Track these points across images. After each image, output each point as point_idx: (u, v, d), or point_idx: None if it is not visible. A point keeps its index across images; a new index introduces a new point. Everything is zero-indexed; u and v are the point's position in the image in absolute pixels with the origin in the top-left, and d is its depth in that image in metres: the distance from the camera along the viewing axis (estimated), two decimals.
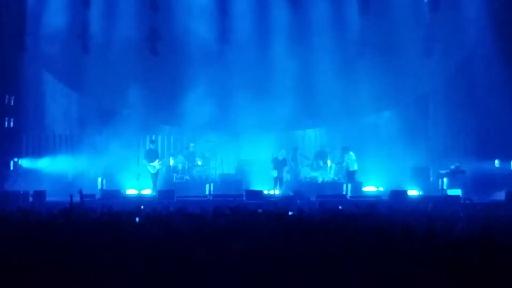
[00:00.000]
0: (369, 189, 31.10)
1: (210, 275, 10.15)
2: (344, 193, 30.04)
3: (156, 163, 30.93)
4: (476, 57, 32.34)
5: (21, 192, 27.44)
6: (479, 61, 32.13)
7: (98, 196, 28.28)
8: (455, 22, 32.45)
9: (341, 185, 31.04)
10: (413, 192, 29.68)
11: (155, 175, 30.87)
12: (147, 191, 30.37)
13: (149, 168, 30.85)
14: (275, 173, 30.95)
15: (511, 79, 30.96)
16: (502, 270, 10.10)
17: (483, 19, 32.16)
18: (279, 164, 31.11)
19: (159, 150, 32.71)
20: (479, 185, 30.01)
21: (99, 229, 14.07)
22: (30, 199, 26.95)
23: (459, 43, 32.80)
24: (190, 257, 10.81)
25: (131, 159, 31.16)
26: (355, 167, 31.31)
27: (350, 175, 31.28)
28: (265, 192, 30.03)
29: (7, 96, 30.84)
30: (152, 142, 32.10)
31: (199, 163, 32.36)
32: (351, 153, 31.41)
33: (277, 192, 30.70)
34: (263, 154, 31.30)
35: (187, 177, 32.00)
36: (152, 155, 31.12)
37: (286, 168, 31.36)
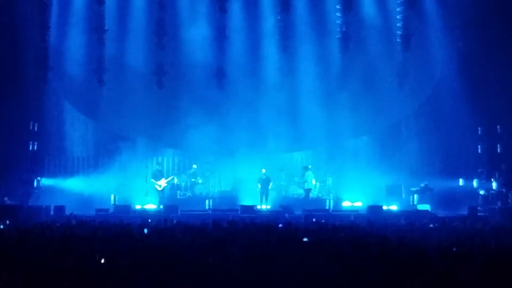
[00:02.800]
0: (349, 204, 31.04)
1: (210, 279, 10.18)
2: (327, 207, 30.06)
3: (162, 182, 30.95)
4: (442, 89, 32.51)
5: (43, 206, 27.38)
6: (445, 93, 32.31)
7: (111, 210, 28.24)
8: (424, 59, 32.66)
9: (324, 200, 31.03)
10: (391, 207, 29.67)
11: (161, 192, 30.89)
12: (154, 206, 30.32)
13: (156, 186, 30.89)
14: (259, 188, 30.96)
15: (472, 108, 31.09)
16: (465, 276, 10.16)
17: (448, 56, 32.41)
18: (263, 182, 31.17)
19: (165, 170, 32.76)
20: (445, 200, 30.02)
21: (112, 238, 14.11)
22: (51, 213, 26.92)
23: (427, 77, 33.00)
24: (192, 263, 10.83)
25: (140, 178, 31.15)
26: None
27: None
28: (258, 207, 30.09)
29: (31, 123, 30.83)
30: (158, 163, 32.18)
31: (200, 181, 32.39)
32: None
33: (268, 207, 30.66)
34: (255, 174, 31.31)
35: (190, 194, 32.03)
36: (158, 175, 31.17)
37: (270, 185, 31.36)
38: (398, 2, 32.36)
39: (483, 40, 30.98)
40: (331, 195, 31.17)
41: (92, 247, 12.62)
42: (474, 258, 11.36)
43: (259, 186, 31.07)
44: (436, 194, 30.40)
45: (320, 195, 31.95)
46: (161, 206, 29.72)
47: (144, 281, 10.16)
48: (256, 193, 31.01)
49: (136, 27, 32.35)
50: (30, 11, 30.44)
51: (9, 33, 29.89)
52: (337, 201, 30.77)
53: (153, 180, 30.93)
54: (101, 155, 32.51)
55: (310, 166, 32.46)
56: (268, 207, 30.58)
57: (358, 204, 30.63)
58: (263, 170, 31.27)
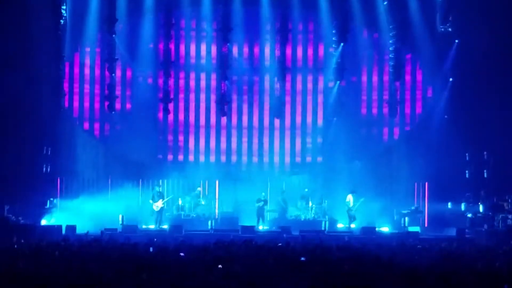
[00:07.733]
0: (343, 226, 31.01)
1: None
2: (323, 228, 29.98)
3: (159, 203, 30.62)
4: (432, 115, 32.72)
5: (56, 226, 27.41)
6: (434, 119, 32.53)
7: (119, 230, 28.18)
8: (414, 88, 32.89)
9: (320, 222, 30.90)
10: (383, 229, 29.63)
11: (158, 213, 30.51)
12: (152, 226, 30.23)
13: (154, 207, 30.60)
14: (258, 205, 30.84)
15: (461, 135, 31.18)
16: None
17: (437, 84, 32.66)
18: (261, 204, 31.09)
19: (167, 192, 32.36)
20: (435, 223, 29.99)
21: (120, 256, 14.12)
22: (63, 232, 26.85)
23: (418, 105, 33.23)
24: (196, 280, 10.84)
25: (146, 200, 31.13)
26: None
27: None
28: (261, 227, 30.12)
29: (45, 147, 30.89)
30: (158, 186, 31.80)
31: (203, 203, 32.32)
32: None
33: (265, 227, 30.65)
34: (255, 196, 31.25)
35: (193, 215, 31.94)
36: (157, 196, 30.85)
37: (267, 207, 31.30)
38: (390, 34, 32.54)
39: (471, 70, 31.11)
40: (327, 217, 31.08)
41: (101, 263, 12.64)
42: (462, 277, 11.37)
43: (257, 204, 30.95)
44: (426, 217, 30.36)
45: (316, 216, 31.80)
46: (159, 226, 29.74)
47: None
48: (255, 214, 30.96)
49: (144, 56, 32.59)
50: (45, 40, 30.52)
51: (25, 61, 29.98)
52: (332, 223, 30.68)
53: (151, 201, 30.65)
54: (110, 177, 32.50)
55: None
56: (266, 227, 30.57)
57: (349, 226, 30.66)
58: (263, 194, 31.25)
